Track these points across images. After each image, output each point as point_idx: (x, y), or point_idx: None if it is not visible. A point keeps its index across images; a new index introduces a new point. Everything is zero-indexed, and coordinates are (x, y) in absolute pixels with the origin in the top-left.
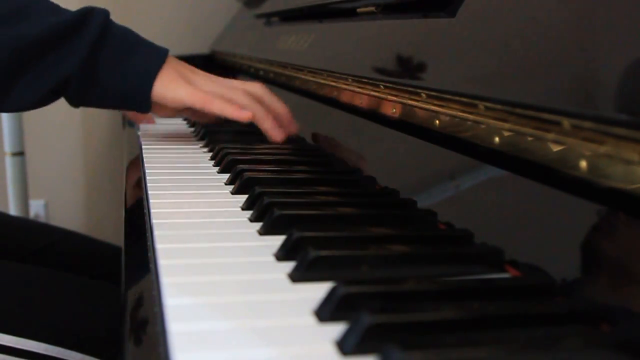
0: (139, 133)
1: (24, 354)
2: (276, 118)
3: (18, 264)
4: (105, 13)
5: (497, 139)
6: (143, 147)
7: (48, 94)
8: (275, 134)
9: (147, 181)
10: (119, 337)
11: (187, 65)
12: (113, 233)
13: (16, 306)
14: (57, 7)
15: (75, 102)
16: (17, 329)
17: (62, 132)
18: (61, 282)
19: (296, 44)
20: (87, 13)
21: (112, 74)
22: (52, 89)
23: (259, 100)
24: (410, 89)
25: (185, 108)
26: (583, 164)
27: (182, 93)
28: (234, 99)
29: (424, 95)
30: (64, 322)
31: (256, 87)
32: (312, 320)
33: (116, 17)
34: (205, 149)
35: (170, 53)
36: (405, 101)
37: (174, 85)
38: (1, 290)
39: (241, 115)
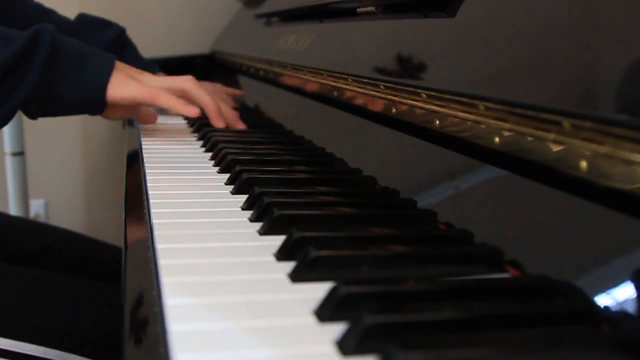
0: (139, 133)
1: (23, 357)
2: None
3: (16, 266)
4: (51, 31)
5: (497, 139)
6: (143, 146)
7: (9, 114)
8: (220, 122)
9: (147, 181)
10: (119, 338)
11: (133, 68)
12: (113, 233)
13: (14, 309)
14: (7, 34)
15: (34, 116)
16: (16, 332)
17: (62, 132)
18: (60, 285)
19: (296, 44)
20: (35, 35)
21: (67, 86)
22: (12, 110)
23: (203, 86)
24: (410, 89)
25: (135, 105)
26: (583, 164)
27: (133, 90)
28: (184, 87)
29: (424, 95)
30: (63, 324)
31: (194, 80)
32: (312, 320)
33: (117, 18)
34: (205, 149)
35: (171, 53)
36: (405, 101)
37: (124, 84)
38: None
39: (187, 110)
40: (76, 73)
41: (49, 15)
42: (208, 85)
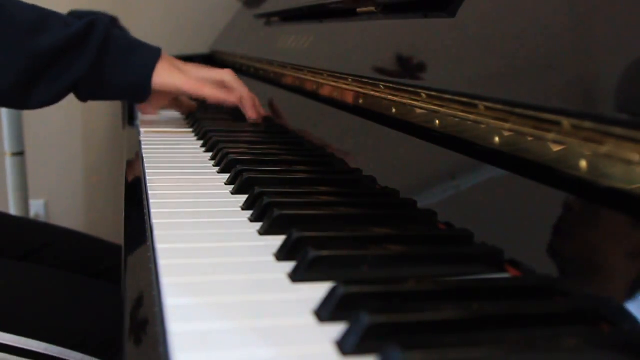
0: (139, 133)
1: (24, 353)
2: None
3: (18, 262)
4: (106, 21)
5: (497, 139)
6: (143, 146)
7: (63, 92)
8: (254, 113)
9: (147, 181)
10: (119, 336)
11: (178, 60)
12: (113, 233)
13: (17, 305)
14: (68, 19)
15: (84, 98)
16: (18, 328)
17: (62, 132)
18: (61, 282)
19: (296, 44)
20: (93, 23)
21: (116, 71)
22: (66, 88)
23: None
24: (410, 89)
25: (178, 94)
26: (583, 164)
27: (177, 80)
28: (224, 79)
29: (424, 95)
30: (65, 321)
31: (233, 73)
32: (312, 320)
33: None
34: (205, 149)
35: (171, 53)
36: (405, 101)
37: (169, 73)
38: (1, 290)
39: (229, 98)
40: (125, 59)
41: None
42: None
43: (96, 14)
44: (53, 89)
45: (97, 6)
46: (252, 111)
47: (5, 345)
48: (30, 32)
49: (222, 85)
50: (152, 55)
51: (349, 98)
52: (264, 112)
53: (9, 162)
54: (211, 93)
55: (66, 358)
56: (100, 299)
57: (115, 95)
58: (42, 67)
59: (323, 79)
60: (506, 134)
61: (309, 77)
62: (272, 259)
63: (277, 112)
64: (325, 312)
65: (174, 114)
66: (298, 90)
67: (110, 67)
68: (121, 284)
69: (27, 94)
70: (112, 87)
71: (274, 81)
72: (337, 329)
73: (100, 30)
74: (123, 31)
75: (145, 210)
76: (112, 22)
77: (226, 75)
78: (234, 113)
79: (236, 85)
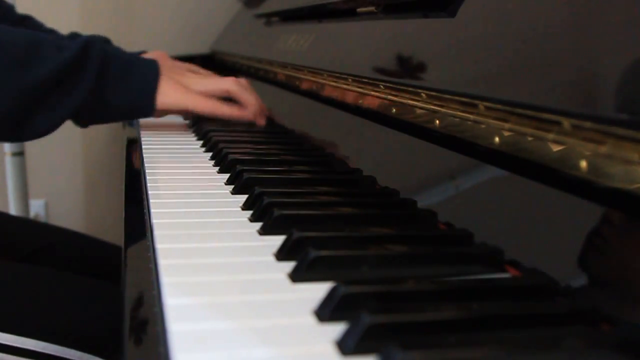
0: (139, 133)
1: (22, 352)
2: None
3: (17, 263)
4: (101, 41)
5: (497, 139)
6: (143, 146)
7: (60, 122)
8: (263, 120)
9: (147, 181)
10: (118, 335)
11: (174, 69)
12: (113, 233)
13: (15, 305)
14: (61, 42)
15: (84, 124)
16: (16, 327)
17: (62, 132)
18: (61, 281)
19: (296, 44)
20: (87, 44)
21: (117, 94)
22: (64, 118)
23: (246, 90)
24: (410, 89)
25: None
26: (583, 164)
27: (185, 100)
28: (229, 89)
29: (424, 95)
30: (63, 320)
31: (237, 81)
32: (312, 320)
33: (118, 18)
34: (205, 149)
35: (171, 53)
36: (405, 101)
37: (173, 92)
38: (0, 289)
39: (244, 115)
40: (125, 80)
41: (26, 21)
42: (242, 81)
43: (70, 37)
44: (49, 121)
45: (97, 8)
46: (260, 119)
47: (3, 345)
48: (21, 64)
49: (227, 95)
50: (151, 71)
51: (349, 98)
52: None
53: (9, 162)
54: (229, 112)
55: (64, 356)
56: (99, 298)
57: (117, 118)
58: (36, 100)
59: (323, 79)
60: (506, 134)
61: (309, 77)
62: (272, 259)
63: (276, 112)
64: (325, 312)
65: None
66: (298, 90)
67: (111, 90)
68: (121, 283)
69: (20, 127)
70: (114, 111)
71: (273, 81)
72: (337, 329)
73: (96, 52)
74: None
75: (145, 210)
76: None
77: (231, 85)
78: None
79: (244, 96)
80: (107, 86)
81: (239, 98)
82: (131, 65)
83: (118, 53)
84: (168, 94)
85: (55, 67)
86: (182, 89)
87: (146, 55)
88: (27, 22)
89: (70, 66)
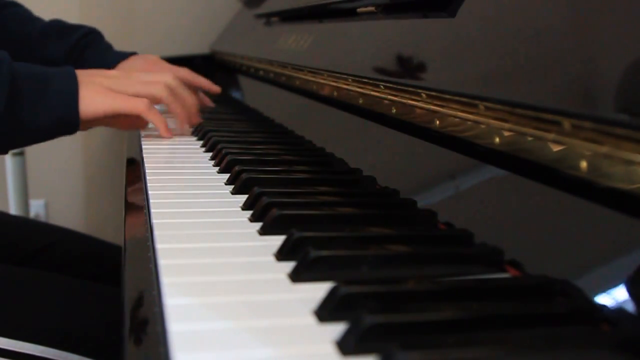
0: (139, 133)
1: (20, 356)
2: (186, 108)
3: (15, 266)
4: (7, 61)
5: (497, 139)
6: (143, 147)
7: None
8: (185, 126)
9: (147, 181)
10: (118, 337)
11: (94, 72)
12: (113, 233)
13: (13, 309)
14: None
15: (3, 150)
16: (15, 331)
17: None
18: (59, 284)
19: (296, 44)
20: None
21: (35, 115)
22: None
23: (176, 91)
24: (410, 89)
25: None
26: (583, 164)
27: (113, 103)
28: (157, 96)
29: (424, 95)
30: (62, 324)
31: (171, 78)
32: (312, 320)
33: (118, 19)
34: (205, 149)
35: (171, 53)
36: (405, 101)
37: (99, 97)
38: None
39: (167, 134)
40: (40, 99)
41: (32, 22)
42: (175, 82)
43: (77, 27)
44: None
45: (97, 7)
46: (188, 125)
47: (1, 349)
48: None
49: (158, 103)
50: (68, 79)
51: (349, 98)
52: (196, 120)
53: (9, 162)
54: (157, 122)
55: None
56: (98, 300)
57: (39, 139)
58: None
59: (323, 79)
60: (506, 134)
61: (308, 77)
62: (272, 259)
63: (276, 112)
64: (325, 312)
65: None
66: (298, 90)
67: (26, 113)
68: (121, 284)
69: None
70: (34, 133)
71: (274, 81)
72: (337, 329)
73: (4, 75)
74: (96, 44)
75: (145, 210)
76: (91, 34)
77: (161, 91)
78: (234, 113)
79: (173, 107)
80: (21, 109)
81: (169, 108)
82: (45, 81)
83: (28, 69)
84: (92, 100)
85: None
86: (106, 91)
87: (136, 58)
88: (11, 9)
89: None
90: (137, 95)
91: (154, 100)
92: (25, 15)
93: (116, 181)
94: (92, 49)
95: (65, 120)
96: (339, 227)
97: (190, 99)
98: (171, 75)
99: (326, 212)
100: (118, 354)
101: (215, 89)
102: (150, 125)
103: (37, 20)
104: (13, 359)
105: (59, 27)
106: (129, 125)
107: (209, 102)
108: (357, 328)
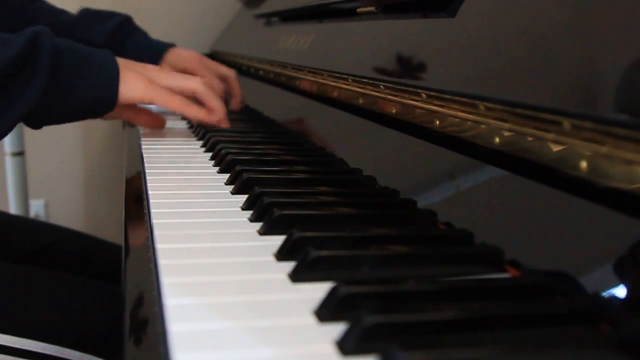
0: (139, 133)
1: (22, 353)
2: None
3: (16, 264)
4: (49, 34)
5: (497, 139)
6: (143, 147)
7: (8, 128)
8: (224, 124)
9: (147, 181)
10: (118, 335)
11: (133, 62)
12: (113, 233)
13: (14, 306)
14: (5, 36)
15: (38, 126)
16: (15, 328)
17: (62, 132)
18: (59, 282)
19: (296, 44)
20: (35, 38)
21: (75, 92)
22: (13, 124)
23: (205, 97)
24: (410, 89)
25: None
26: (583, 164)
27: (150, 94)
28: (197, 91)
29: (424, 95)
30: (63, 321)
31: (202, 86)
32: (312, 320)
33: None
34: (205, 149)
35: None
36: (405, 101)
37: (138, 85)
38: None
39: (210, 119)
40: (82, 77)
41: (60, 15)
42: (211, 83)
43: (111, 14)
44: (1, 124)
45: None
46: (225, 124)
47: (2, 346)
48: None
49: (193, 95)
50: (110, 63)
51: (349, 98)
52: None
53: (9, 162)
54: (196, 113)
55: (64, 357)
56: (98, 298)
57: (76, 118)
58: None
59: (323, 79)
60: (506, 134)
61: (308, 77)
62: (272, 259)
63: (277, 112)
64: (326, 312)
65: (174, 114)
66: (298, 90)
67: (67, 89)
68: (121, 284)
69: None
70: (72, 110)
71: (274, 81)
72: (337, 329)
73: (47, 47)
74: (134, 32)
75: (145, 210)
76: (127, 22)
77: (198, 85)
78: (234, 113)
79: (211, 100)
80: (62, 85)
81: (205, 101)
82: (87, 59)
83: (71, 46)
84: (133, 85)
85: (1, 64)
86: (145, 80)
87: (176, 51)
88: (36, 3)
89: (19, 62)
90: (173, 87)
91: (191, 93)
92: (52, 7)
93: (116, 181)
94: (132, 39)
95: (104, 100)
96: (339, 227)
97: (218, 106)
98: (202, 83)
99: (326, 212)
100: (118, 351)
101: (238, 107)
102: (168, 125)
103: (64, 11)
104: (14, 355)
105: (93, 13)
106: (149, 124)
107: (234, 108)
108: (357, 328)
